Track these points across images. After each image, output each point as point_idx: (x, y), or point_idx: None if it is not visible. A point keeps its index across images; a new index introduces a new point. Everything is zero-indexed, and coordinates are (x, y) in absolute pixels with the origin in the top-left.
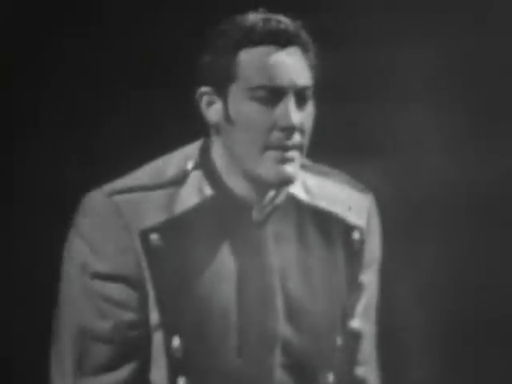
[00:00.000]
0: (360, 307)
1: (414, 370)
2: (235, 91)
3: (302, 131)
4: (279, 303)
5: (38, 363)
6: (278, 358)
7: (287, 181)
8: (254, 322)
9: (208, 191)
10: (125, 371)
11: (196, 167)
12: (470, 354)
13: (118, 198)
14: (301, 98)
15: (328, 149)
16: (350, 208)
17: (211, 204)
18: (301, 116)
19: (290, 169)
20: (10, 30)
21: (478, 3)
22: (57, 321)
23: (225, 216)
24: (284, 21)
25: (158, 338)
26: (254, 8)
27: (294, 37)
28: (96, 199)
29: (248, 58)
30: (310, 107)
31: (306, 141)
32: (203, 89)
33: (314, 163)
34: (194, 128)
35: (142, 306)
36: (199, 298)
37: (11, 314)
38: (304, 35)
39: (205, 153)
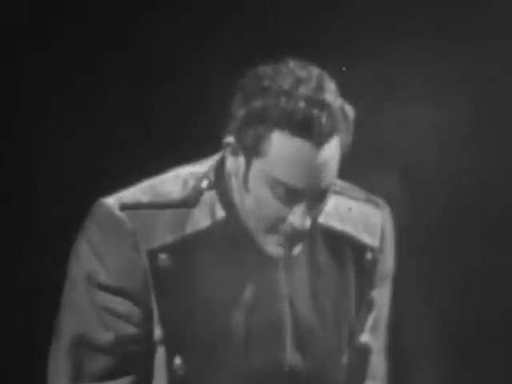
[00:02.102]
0: (369, 322)
1: (421, 372)
2: (259, 166)
3: (312, 224)
4: (288, 331)
5: (37, 366)
6: None
7: (288, 258)
8: (259, 348)
9: (220, 213)
10: (122, 382)
11: (210, 187)
12: (479, 357)
13: (128, 213)
14: (320, 197)
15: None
16: (350, 209)
17: (222, 226)
18: (315, 214)
19: (293, 250)
20: (11, 28)
21: (477, 8)
22: (58, 324)
23: (235, 239)
24: (328, 104)
25: (160, 352)
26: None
27: (334, 131)
28: (106, 211)
29: (280, 144)
30: (326, 201)
31: (313, 224)
32: (231, 140)
33: None
34: (202, 131)
35: (145, 322)
36: (204, 321)
37: (13, 316)
38: (345, 121)
39: (220, 173)
